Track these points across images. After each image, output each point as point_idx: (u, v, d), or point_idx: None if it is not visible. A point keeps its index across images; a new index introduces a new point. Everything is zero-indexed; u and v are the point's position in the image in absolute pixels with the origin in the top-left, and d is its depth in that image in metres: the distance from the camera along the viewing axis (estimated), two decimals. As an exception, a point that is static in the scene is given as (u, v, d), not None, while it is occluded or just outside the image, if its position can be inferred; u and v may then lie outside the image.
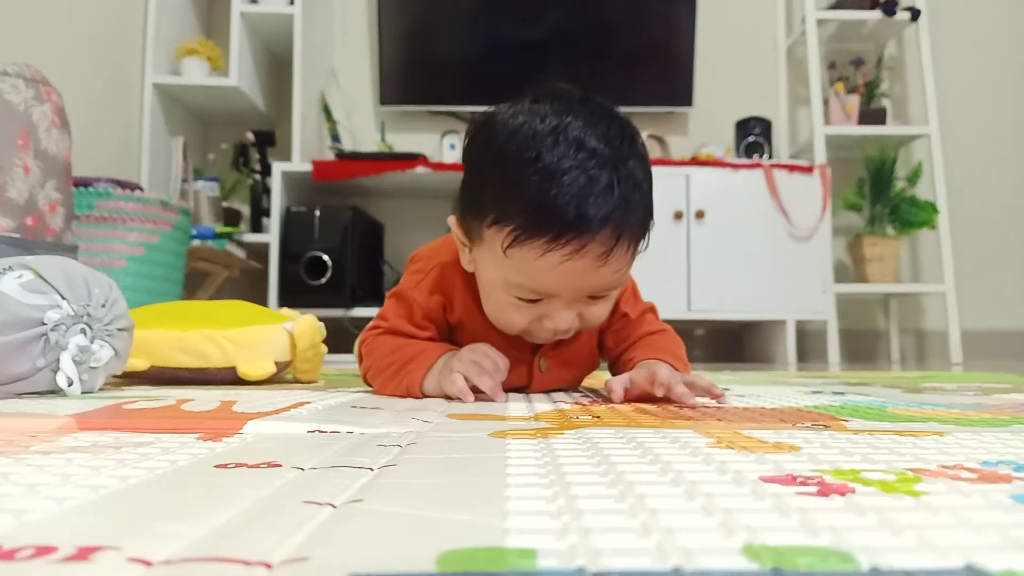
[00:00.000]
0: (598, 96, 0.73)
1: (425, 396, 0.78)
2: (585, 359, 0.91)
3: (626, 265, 0.72)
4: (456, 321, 0.85)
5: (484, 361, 0.75)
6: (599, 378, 1.04)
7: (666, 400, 0.72)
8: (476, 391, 0.73)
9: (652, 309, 0.92)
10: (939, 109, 2.81)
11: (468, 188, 0.75)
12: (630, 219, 0.69)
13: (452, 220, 0.78)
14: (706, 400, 0.73)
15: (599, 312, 0.76)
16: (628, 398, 0.74)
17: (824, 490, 0.30)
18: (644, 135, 3.12)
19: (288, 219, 2.52)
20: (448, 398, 0.75)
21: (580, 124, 0.68)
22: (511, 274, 0.71)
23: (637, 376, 0.74)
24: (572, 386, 0.95)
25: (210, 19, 2.96)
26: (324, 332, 1.10)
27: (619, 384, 0.74)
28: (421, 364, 0.78)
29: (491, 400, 0.73)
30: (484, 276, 0.77)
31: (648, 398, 0.73)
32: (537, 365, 0.86)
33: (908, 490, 0.30)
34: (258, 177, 2.70)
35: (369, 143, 2.96)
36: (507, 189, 0.68)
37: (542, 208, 0.66)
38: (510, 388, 0.87)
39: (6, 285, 0.76)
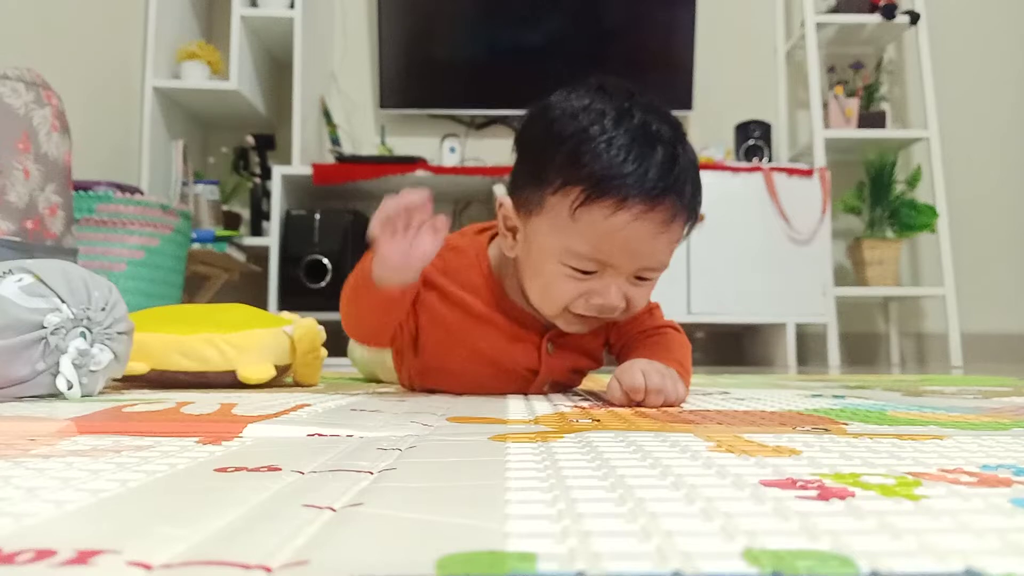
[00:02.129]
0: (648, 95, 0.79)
1: (379, 284, 0.74)
2: (591, 351, 0.92)
3: (677, 243, 0.77)
4: (439, 298, 0.85)
5: (389, 203, 0.70)
6: (597, 380, 1.04)
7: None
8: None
9: (657, 307, 0.94)
10: (938, 112, 2.82)
11: (528, 163, 0.79)
12: (689, 194, 0.75)
13: (505, 199, 0.81)
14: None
15: (642, 295, 0.79)
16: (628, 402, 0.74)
17: (824, 494, 0.30)
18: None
19: (288, 222, 2.52)
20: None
21: (642, 109, 0.74)
22: (574, 239, 0.74)
23: (626, 381, 0.74)
24: (575, 381, 0.96)
25: (210, 22, 2.96)
26: (324, 335, 1.10)
27: (616, 391, 0.75)
28: (365, 261, 0.76)
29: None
30: (538, 249, 0.78)
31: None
32: (544, 348, 0.87)
33: (908, 494, 0.30)
34: (258, 180, 2.70)
35: (369, 146, 2.96)
36: (577, 156, 0.73)
37: (612, 170, 0.71)
38: (519, 375, 0.88)
39: (6, 288, 0.76)
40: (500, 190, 0.84)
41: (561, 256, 0.75)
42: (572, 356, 0.90)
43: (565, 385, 0.95)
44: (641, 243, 0.73)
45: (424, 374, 0.93)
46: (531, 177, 0.77)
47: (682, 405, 0.74)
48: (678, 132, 0.76)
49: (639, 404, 0.73)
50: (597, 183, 0.71)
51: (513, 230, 0.81)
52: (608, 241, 0.73)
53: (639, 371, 0.74)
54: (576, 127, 0.74)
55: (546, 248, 0.77)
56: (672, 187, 0.72)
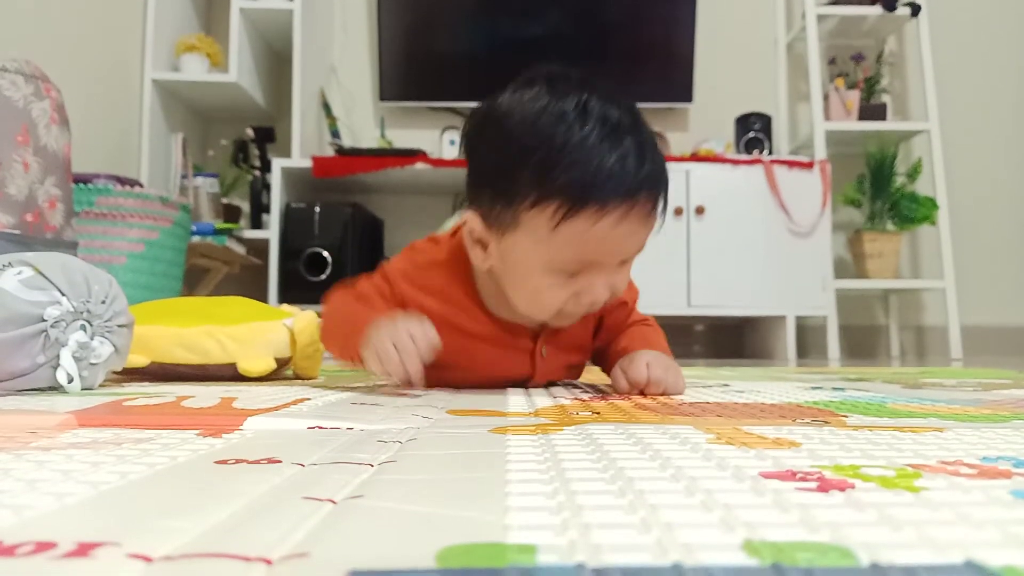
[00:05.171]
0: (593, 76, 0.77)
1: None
2: (582, 344, 0.92)
3: (655, 226, 0.77)
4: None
5: (401, 338, 0.72)
6: (597, 373, 1.05)
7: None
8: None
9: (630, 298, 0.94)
10: (939, 105, 2.81)
11: (492, 179, 0.74)
12: (660, 179, 0.74)
13: (471, 216, 0.77)
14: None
15: (623, 279, 0.78)
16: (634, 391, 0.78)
17: (824, 486, 0.30)
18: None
19: (288, 215, 2.51)
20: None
21: (597, 99, 0.72)
22: (559, 250, 0.71)
23: (631, 373, 0.79)
24: (571, 375, 0.97)
25: (209, 15, 2.96)
26: (324, 328, 1.10)
27: (622, 380, 0.80)
28: (360, 333, 0.76)
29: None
30: (518, 265, 0.75)
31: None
32: (539, 351, 0.87)
33: (908, 486, 0.30)
34: (258, 173, 2.69)
35: (369, 139, 2.95)
36: (546, 169, 0.69)
37: (586, 180, 0.69)
38: (514, 379, 0.87)
39: (6, 282, 0.76)
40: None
41: (545, 267, 0.73)
42: (565, 354, 0.90)
43: (558, 380, 0.96)
44: (625, 240, 0.73)
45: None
46: (498, 193, 0.73)
47: (681, 397, 0.74)
48: (636, 117, 0.73)
49: (641, 393, 0.77)
50: (574, 195, 0.68)
51: (481, 242, 0.78)
52: (593, 248, 0.72)
53: (644, 363, 0.78)
54: (538, 136, 0.70)
55: (528, 263, 0.74)
56: (647, 179, 0.71)
